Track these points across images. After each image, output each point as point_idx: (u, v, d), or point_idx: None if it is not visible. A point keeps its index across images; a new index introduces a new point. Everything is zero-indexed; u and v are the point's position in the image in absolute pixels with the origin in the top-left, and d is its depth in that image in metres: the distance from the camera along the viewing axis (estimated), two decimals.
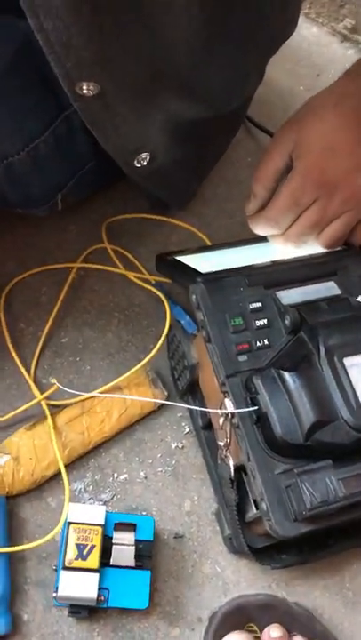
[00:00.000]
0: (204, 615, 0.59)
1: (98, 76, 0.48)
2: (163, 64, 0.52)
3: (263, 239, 0.64)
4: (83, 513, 0.55)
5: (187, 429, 0.66)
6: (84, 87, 0.49)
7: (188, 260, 0.64)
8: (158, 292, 0.70)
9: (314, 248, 0.62)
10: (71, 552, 0.53)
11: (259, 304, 0.55)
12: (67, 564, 0.53)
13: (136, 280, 0.72)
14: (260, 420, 0.50)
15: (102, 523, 0.55)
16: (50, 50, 0.45)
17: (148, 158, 0.61)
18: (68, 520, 0.55)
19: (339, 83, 0.59)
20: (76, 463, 0.63)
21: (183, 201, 0.77)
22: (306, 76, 0.92)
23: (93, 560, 0.53)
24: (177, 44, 0.51)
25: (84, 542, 0.54)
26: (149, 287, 0.71)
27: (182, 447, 0.65)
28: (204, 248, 0.71)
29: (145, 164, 0.61)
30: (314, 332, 0.52)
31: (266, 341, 0.54)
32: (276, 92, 0.89)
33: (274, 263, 0.60)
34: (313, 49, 0.95)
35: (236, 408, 0.51)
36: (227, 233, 0.77)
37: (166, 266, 0.68)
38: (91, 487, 0.62)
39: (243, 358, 0.53)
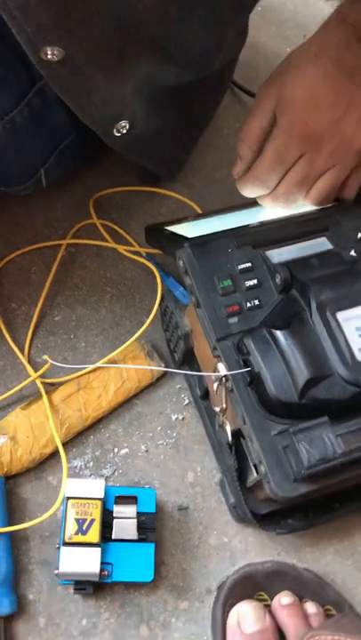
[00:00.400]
0: (213, 586, 0.58)
1: (61, 39, 0.47)
2: (132, 23, 0.50)
3: (254, 204, 0.63)
4: (81, 487, 0.54)
5: (186, 401, 0.65)
6: (49, 52, 0.47)
7: (176, 229, 0.63)
8: (150, 264, 0.69)
9: (305, 207, 0.60)
10: (71, 527, 0.53)
11: (248, 264, 0.54)
12: (67, 540, 0.52)
13: (127, 254, 0.71)
14: (254, 381, 0.49)
15: (101, 496, 0.54)
16: (8, 15, 0.44)
17: (127, 126, 0.59)
18: (67, 495, 0.54)
19: (318, 34, 0.57)
20: (75, 440, 0.62)
21: (172, 171, 0.76)
22: (292, 38, 0.90)
23: (94, 534, 0.52)
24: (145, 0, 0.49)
25: (83, 517, 0.53)
26: (141, 260, 0.70)
27: (183, 419, 0.64)
28: (193, 217, 0.69)
29: (124, 132, 0.59)
30: (305, 289, 0.50)
31: (257, 302, 0.52)
32: (262, 55, 0.87)
33: (263, 223, 0.59)
34: (299, 9, 0.93)
35: (229, 371, 0.50)
36: (217, 201, 0.76)
37: (155, 237, 0.66)
38: (91, 463, 0.61)
39: (233, 320, 0.52)
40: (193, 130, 0.75)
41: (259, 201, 0.61)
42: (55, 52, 0.47)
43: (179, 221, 0.66)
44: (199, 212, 0.74)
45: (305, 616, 0.54)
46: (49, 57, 0.47)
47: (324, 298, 0.49)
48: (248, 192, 0.61)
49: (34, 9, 0.43)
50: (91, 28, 0.48)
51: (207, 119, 0.77)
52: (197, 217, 0.70)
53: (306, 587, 0.56)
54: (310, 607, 0.54)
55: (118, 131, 0.59)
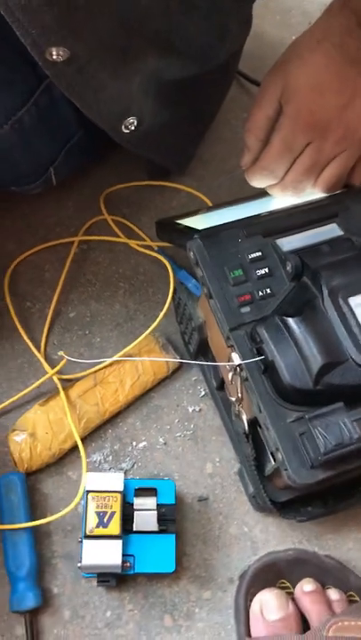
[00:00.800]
0: (235, 576, 0.58)
1: (66, 39, 0.47)
2: (135, 19, 0.50)
3: (264, 194, 0.63)
4: (100, 481, 0.55)
5: (202, 392, 0.65)
6: (54, 53, 0.47)
7: (187, 222, 0.63)
8: (161, 258, 0.69)
9: (315, 195, 0.60)
10: (91, 520, 0.53)
11: (258, 253, 0.54)
12: (88, 533, 0.53)
13: (139, 248, 0.71)
14: (268, 369, 0.49)
15: (121, 489, 0.54)
16: (11, 17, 0.44)
17: (135, 123, 0.59)
18: (87, 489, 0.54)
19: (320, 20, 0.56)
20: (93, 435, 0.62)
21: (181, 165, 0.76)
22: (298, 26, 0.90)
23: (114, 526, 0.53)
24: None
25: (103, 510, 0.53)
26: (153, 254, 0.70)
27: (199, 410, 0.64)
28: (203, 209, 0.70)
29: (133, 128, 0.60)
30: (316, 276, 0.50)
31: (268, 290, 0.52)
32: (268, 44, 0.87)
33: (272, 212, 0.59)
34: None
35: (243, 360, 0.50)
36: (228, 192, 0.76)
37: (166, 231, 0.67)
38: (110, 457, 0.62)
39: (246, 310, 0.52)
40: (200, 122, 0.75)
41: (268, 190, 0.61)
42: (60, 53, 0.47)
43: (189, 215, 0.66)
44: (210, 204, 0.74)
45: (328, 603, 0.54)
46: (54, 57, 0.48)
47: (335, 284, 0.49)
48: (257, 182, 0.61)
49: (36, 10, 0.43)
50: (95, 27, 0.48)
51: (214, 111, 0.77)
52: (208, 209, 0.70)
53: (328, 573, 0.56)
54: (333, 594, 0.55)
55: (126, 127, 0.59)
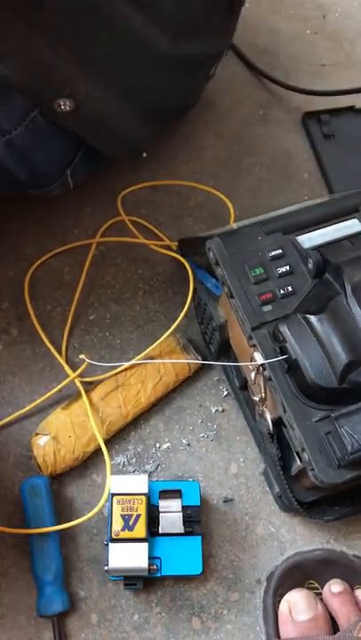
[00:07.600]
0: (263, 577, 0.57)
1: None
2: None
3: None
4: (125, 484, 0.55)
5: (225, 392, 0.65)
6: None
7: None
8: (180, 258, 0.69)
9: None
10: (117, 523, 0.53)
11: (279, 251, 0.53)
12: (114, 536, 0.53)
13: (157, 248, 0.71)
14: (292, 368, 0.48)
15: (145, 491, 0.54)
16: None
17: (69, 104, 0.55)
18: (111, 492, 0.54)
19: None
20: (116, 437, 0.62)
21: (127, 153, 0.69)
22: (312, 19, 0.88)
23: (140, 529, 0.53)
24: None
25: (128, 512, 0.53)
26: (171, 254, 0.70)
27: (223, 410, 0.64)
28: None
29: (68, 109, 0.55)
30: (338, 272, 0.49)
31: (290, 288, 0.52)
32: (282, 39, 0.86)
33: (292, 211, 0.58)
34: None
35: (266, 359, 0.49)
36: (245, 190, 0.75)
37: (188, 245, 0.66)
38: (134, 459, 0.62)
39: (267, 308, 0.51)
40: (160, 112, 0.67)
41: None
42: None
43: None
44: (227, 202, 0.73)
45: (357, 603, 0.53)
46: None
47: (358, 279, 0.48)
48: None
49: None
50: None
51: (182, 102, 0.70)
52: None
53: (356, 573, 0.56)
54: None
55: (59, 106, 0.55)
